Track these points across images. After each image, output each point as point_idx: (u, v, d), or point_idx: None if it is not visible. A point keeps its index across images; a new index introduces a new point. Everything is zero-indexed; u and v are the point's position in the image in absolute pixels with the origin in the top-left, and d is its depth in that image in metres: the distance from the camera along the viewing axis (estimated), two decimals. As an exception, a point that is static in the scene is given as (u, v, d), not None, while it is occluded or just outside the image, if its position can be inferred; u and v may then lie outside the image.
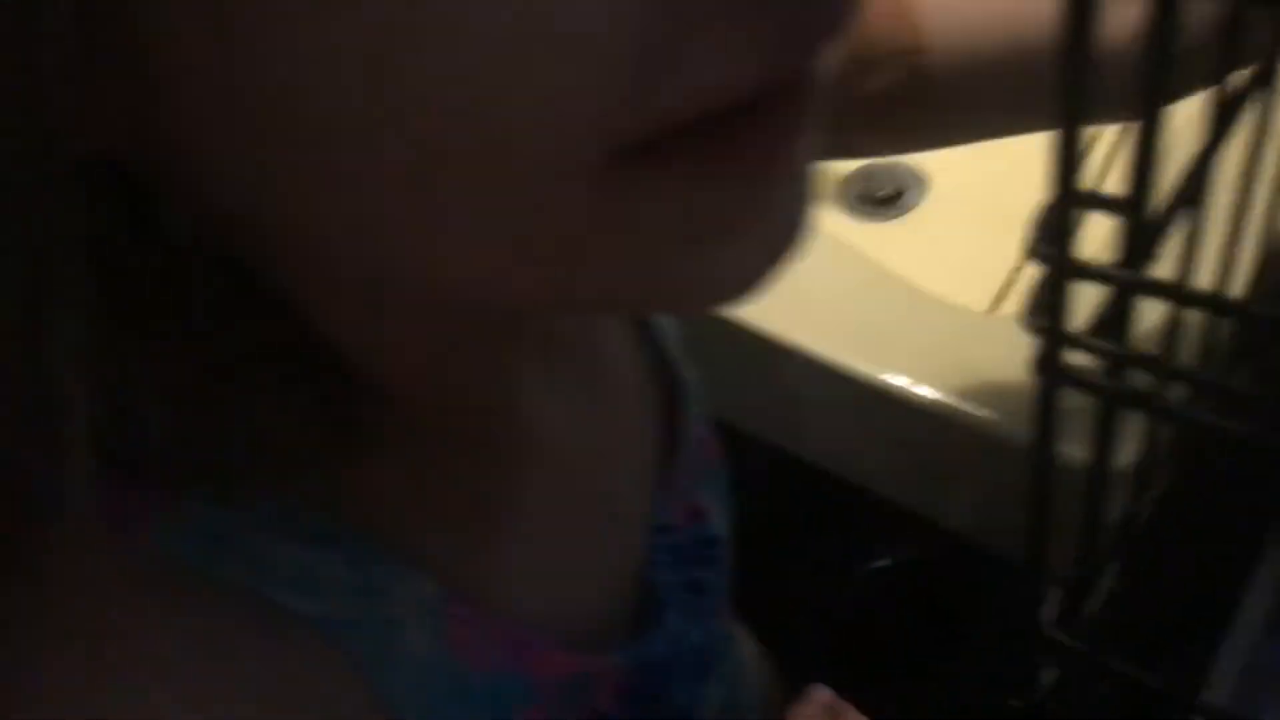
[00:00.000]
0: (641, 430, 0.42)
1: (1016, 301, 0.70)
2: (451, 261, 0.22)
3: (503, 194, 0.20)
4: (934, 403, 0.52)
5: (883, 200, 0.85)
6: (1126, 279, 0.22)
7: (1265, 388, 0.23)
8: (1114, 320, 0.24)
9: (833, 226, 0.81)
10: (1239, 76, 0.25)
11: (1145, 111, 0.19)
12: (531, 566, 0.35)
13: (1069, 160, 0.21)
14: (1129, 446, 0.32)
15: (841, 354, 0.55)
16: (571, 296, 0.23)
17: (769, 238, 0.23)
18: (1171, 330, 0.28)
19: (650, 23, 0.18)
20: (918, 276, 0.60)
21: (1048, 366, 0.25)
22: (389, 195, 0.20)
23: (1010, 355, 0.51)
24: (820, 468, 0.61)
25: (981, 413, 0.51)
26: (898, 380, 0.53)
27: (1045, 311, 0.23)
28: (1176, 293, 0.24)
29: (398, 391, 0.29)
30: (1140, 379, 0.26)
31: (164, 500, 0.26)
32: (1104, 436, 0.28)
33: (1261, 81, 0.25)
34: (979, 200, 0.82)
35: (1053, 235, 0.22)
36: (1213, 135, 0.23)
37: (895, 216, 0.84)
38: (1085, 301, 0.55)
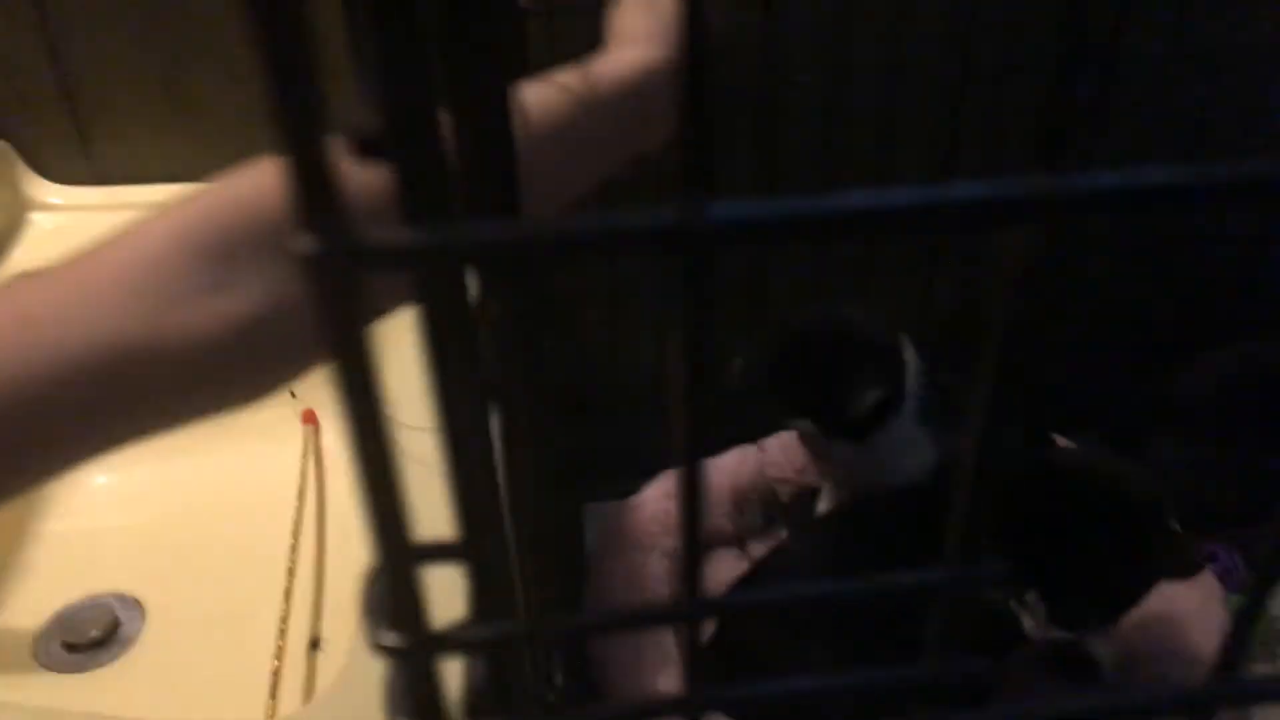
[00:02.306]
0: None
1: (289, 699, 0.63)
2: None
3: None
4: None
5: (97, 642, 0.72)
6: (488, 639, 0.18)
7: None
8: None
9: (37, 696, 0.67)
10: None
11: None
12: None
13: (393, 519, 0.17)
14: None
15: None
16: None
17: None
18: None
19: None
20: (168, 709, 0.50)
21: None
22: None
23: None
24: None
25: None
26: None
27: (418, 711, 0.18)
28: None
29: None
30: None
31: None
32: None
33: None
34: (204, 605, 0.74)
35: (401, 615, 0.17)
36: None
37: (118, 656, 0.72)
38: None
